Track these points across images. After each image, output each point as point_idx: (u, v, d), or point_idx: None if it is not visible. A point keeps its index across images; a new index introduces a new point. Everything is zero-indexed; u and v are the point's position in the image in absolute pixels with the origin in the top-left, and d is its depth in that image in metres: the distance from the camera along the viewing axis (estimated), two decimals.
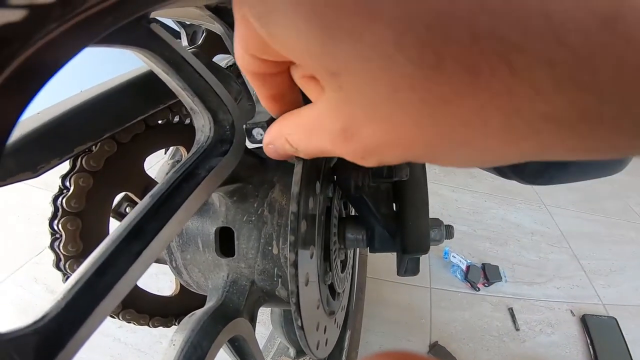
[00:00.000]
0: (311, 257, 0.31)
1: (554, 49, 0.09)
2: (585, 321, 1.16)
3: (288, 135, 0.17)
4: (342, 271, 0.46)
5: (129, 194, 0.45)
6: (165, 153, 0.67)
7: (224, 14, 0.36)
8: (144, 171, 0.47)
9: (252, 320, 0.34)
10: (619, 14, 0.08)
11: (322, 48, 0.11)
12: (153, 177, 0.49)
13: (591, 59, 0.08)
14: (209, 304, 0.31)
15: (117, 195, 0.44)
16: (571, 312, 1.21)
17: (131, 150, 0.42)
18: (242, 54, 0.15)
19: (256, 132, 0.27)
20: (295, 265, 0.25)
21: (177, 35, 0.77)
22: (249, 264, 0.34)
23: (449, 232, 0.42)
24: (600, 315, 1.20)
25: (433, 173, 1.70)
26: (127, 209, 0.47)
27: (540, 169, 0.25)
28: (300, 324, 0.25)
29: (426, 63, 0.10)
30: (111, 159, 0.39)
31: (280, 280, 0.34)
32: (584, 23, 0.08)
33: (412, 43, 0.10)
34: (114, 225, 0.43)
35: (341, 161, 0.39)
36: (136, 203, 0.46)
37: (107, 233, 0.43)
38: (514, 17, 0.09)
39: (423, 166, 0.39)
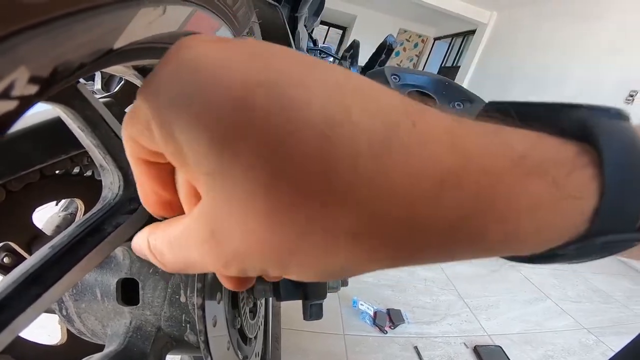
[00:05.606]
0: (218, 303, 0.33)
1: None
2: (477, 351, 1.32)
3: (153, 247, 0.15)
4: (253, 318, 0.47)
5: (11, 244, 0.40)
6: (56, 204, 0.61)
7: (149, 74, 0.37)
8: (32, 222, 0.43)
9: None
10: None
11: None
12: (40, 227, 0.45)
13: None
14: (109, 348, 0.30)
15: None
16: (464, 344, 1.37)
17: (20, 200, 0.39)
18: (128, 133, 0.13)
19: None
20: (202, 308, 0.27)
21: (91, 76, 0.74)
22: (154, 311, 0.34)
23: (344, 280, 0.48)
24: (489, 345, 1.38)
25: None
26: (5, 259, 0.41)
27: None
28: None
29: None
30: None
31: (188, 325, 0.34)
32: None
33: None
34: None
35: None
36: (17, 254, 0.42)
37: None
38: None
39: None
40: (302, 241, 0.11)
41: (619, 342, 1.62)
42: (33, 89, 0.09)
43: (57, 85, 0.10)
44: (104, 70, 0.44)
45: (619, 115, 0.12)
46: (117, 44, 0.13)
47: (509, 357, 1.34)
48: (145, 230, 0.15)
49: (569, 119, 0.12)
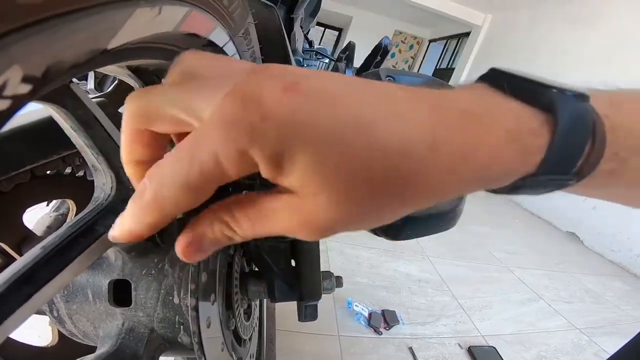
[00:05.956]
0: (212, 304, 0.33)
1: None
2: (472, 352, 1.33)
3: (233, 220, 0.16)
4: (247, 320, 0.47)
5: (1, 244, 0.40)
6: (47, 205, 0.60)
7: (144, 74, 0.36)
8: (22, 223, 0.43)
9: None
10: None
11: None
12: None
13: None
14: (100, 350, 0.29)
15: None
16: (459, 345, 1.38)
17: (11, 201, 0.39)
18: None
19: None
20: (196, 309, 0.27)
21: (83, 76, 0.74)
22: (147, 312, 0.33)
23: (338, 282, 0.49)
24: (483, 346, 1.39)
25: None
26: None
27: (399, 229, 0.30)
28: None
29: None
30: None
31: (182, 327, 0.34)
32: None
33: None
34: None
35: None
36: (7, 254, 0.41)
37: None
38: None
39: None
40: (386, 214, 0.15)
41: (611, 342, 1.64)
42: (26, 88, 0.09)
43: (50, 84, 0.10)
44: (97, 70, 0.44)
45: (581, 97, 0.17)
46: (112, 44, 0.13)
47: (503, 357, 1.35)
48: (211, 211, 0.16)
49: (543, 95, 0.16)
